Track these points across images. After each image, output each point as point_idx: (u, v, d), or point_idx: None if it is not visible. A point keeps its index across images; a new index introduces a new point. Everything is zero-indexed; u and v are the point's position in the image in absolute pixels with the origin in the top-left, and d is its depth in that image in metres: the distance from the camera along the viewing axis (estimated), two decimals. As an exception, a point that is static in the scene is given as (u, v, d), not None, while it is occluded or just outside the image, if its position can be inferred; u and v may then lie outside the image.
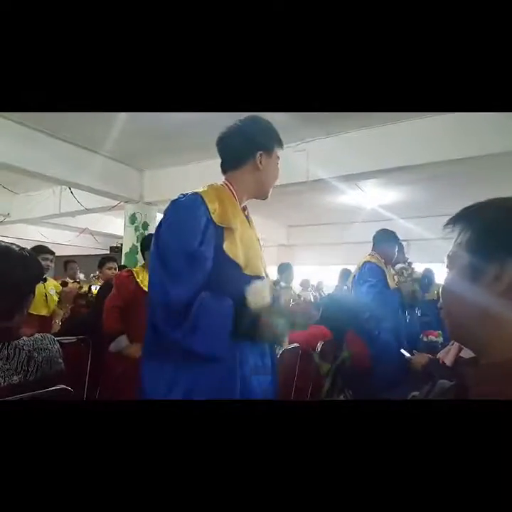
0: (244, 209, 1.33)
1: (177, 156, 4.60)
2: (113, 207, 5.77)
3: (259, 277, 1.19)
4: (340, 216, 7.22)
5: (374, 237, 2.97)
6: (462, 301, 0.57)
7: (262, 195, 1.34)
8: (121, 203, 5.60)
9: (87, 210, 5.97)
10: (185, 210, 1.14)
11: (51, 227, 8.36)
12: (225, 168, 1.31)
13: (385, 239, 2.90)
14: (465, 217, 0.60)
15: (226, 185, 1.28)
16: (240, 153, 1.28)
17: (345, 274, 5.01)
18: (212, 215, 1.14)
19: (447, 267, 0.62)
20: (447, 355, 2.17)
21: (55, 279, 4.55)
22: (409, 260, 3.29)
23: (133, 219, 5.50)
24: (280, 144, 1.34)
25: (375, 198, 6.03)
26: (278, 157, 1.34)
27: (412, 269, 3.17)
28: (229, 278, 1.13)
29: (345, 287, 3.47)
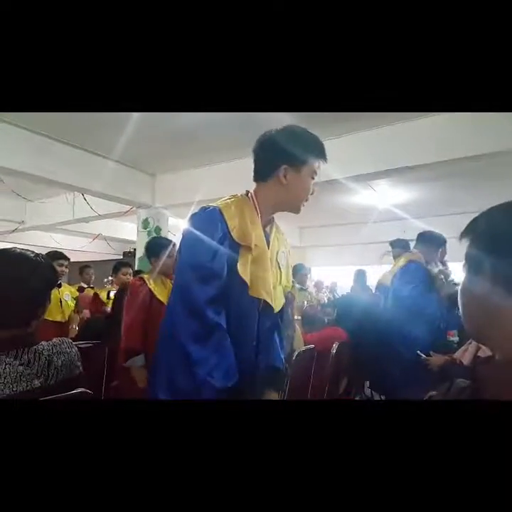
0: (269, 222, 1.28)
1: (188, 159, 4.62)
2: (126, 212, 5.83)
3: (260, 300, 1.17)
4: (352, 216, 7.17)
5: (420, 235, 2.90)
6: (478, 301, 0.58)
7: (290, 210, 1.25)
8: (134, 208, 5.66)
9: (100, 216, 6.04)
10: (200, 225, 1.13)
11: (65, 234, 8.46)
12: (255, 178, 1.26)
13: (431, 239, 2.82)
14: (481, 221, 0.60)
15: (250, 197, 1.23)
16: (264, 166, 1.21)
17: (359, 274, 4.98)
18: (231, 231, 1.12)
19: (464, 266, 0.62)
20: (465, 355, 2.14)
21: (70, 285, 4.61)
22: (446, 261, 3.24)
23: (146, 224, 5.55)
24: (318, 156, 1.21)
25: (387, 198, 5.98)
26: (314, 171, 1.21)
27: (450, 271, 3.12)
28: (234, 295, 1.12)
29: (372, 287, 3.39)
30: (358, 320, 2.89)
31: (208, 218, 1.13)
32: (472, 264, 0.60)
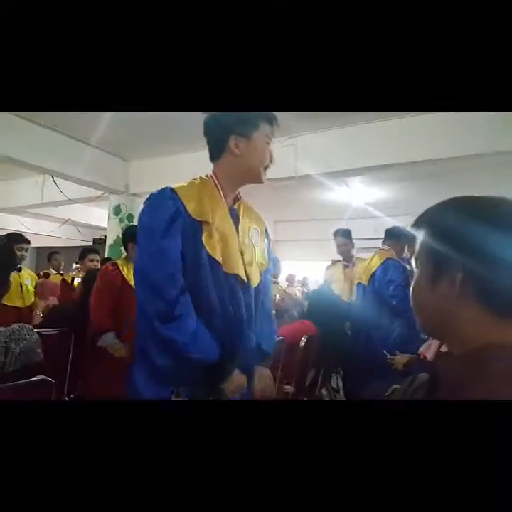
0: (236, 199, 1.28)
1: (165, 146, 4.52)
2: (97, 197, 5.66)
3: (237, 276, 1.17)
4: (326, 212, 7.24)
5: (388, 231, 2.93)
6: (427, 300, 0.61)
7: (252, 180, 1.25)
8: (106, 194, 5.50)
9: (71, 201, 5.85)
10: (151, 205, 1.14)
11: (33, 217, 8.19)
12: (211, 159, 1.26)
13: (399, 235, 2.86)
14: (425, 220, 0.63)
15: (211, 177, 1.23)
16: (215, 142, 1.22)
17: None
18: (187, 207, 1.11)
19: (416, 266, 0.65)
20: (429, 350, 2.21)
21: (38, 271, 4.48)
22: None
23: (117, 210, 5.41)
24: (267, 119, 1.21)
25: (361, 195, 6.07)
26: (267, 135, 1.21)
27: None
28: (207, 274, 1.11)
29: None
30: (328, 314, 2.92)
31: (159, 197, 1.13)
32: (424, 260, 0.61)
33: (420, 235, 0.63)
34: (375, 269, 2.80)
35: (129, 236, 2.51)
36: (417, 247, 0.64)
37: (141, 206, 1.18)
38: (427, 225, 0.62)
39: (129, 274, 2.36)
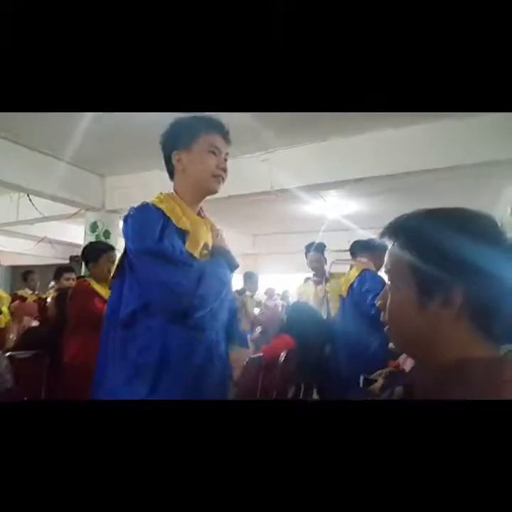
0: (199, 214, 1.32)
1: (141, 161, 4.49)
2: (73, 214, 5.59)
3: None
4: (304, 225, 7.31)
5: (365, 244, 2.97)
6: (413, 321, 0.57)
7: (204, 191, 1.27)
8: (82, 211, 5.44)
9: (46, 218, 5.76)
10: (139, 218, 1.16)
11: (8, 235, 8.00)
12: (170, 178, 1.32)
13: (376, 246, 2.86)
14: (399, 231, 0.60)
15: (173, 193, 1.28)
16: (166, 162, 1.28)
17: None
18: (171, 218, 1.15)
19: (390, 282, 0.62)
20: (406, 361, 2.24)
21: (18, 293, 4.36)
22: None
23: (94, 227, 5.35)
24: (208, 129, 1.22)
25: (337, 209, 6.16)
26: (211, 145, 1.22)
27: None
28: None
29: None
30: (306, 328, 2.94)
31: (145, 210, 1.16)
32: (403, 275, 0.57)
33: (393, 246, 0.60)
34: (352, 280, 2.83)
35: (88, 256, 2.48)
36: (388, 258, 0.61)
37: (124, 221, 1.20)
38: (402, 237, 0.59)
39: (99, 289, 2.34)
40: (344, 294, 2.90)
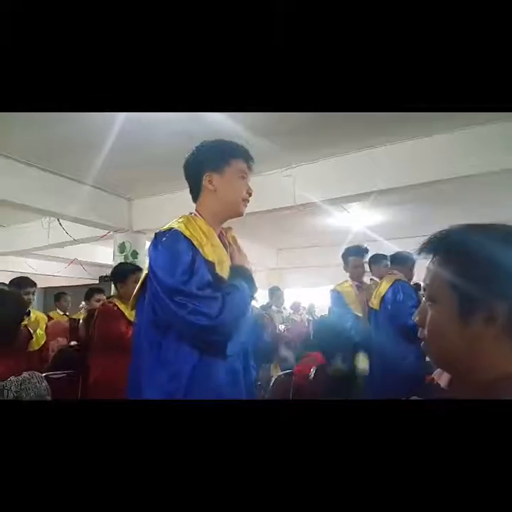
0: (221, 234, 1.31)
1: (164, 184, 4.65)
2: (102, 237, 5.77)
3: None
4: (328, 238, 7.28)
5: (394, 256, 2.96)
6: (454, 337, 0.56)
7: (231, 214, 1.29)
8: (111, 233, 5.61)
9: (76, 241, 5.96)
10: (167, 253, 1.15)
11: (40, 259, 8.29)
12: (193, 200, 1.32)
13: (405, 259, 2.87)
14: (438, 246, 0.59)
15: (196, 214, 1.29)
16: (192, 181, 1.29)
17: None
18: (199, 249, 1.16)
19: (428, 297, 0.61)
20: (442, 376, 2.18)
21: (46, 312, 4.49)
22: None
23: (122, 248, 5.50)
24: (238, 155, 1.27)
25: (361, 220, 6.12)
26: (241, 170, 1.27)
27: None
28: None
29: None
30: (333, 344, 2.90)
31: (174, 240, 1.15)
32: (443, 291, 0.56)
33: (433, 261, 0.59)
34: (384, 292, 2.79)
35: (117, 277, 2.54)
36: (427, 273, 0.60)
37: (152, 247, 1.19)
38: (442, 252, 0.58)
39: (125, 310, 2.38)
40: (376, 306, 2.85)
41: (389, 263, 3.02)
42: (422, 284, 0.66)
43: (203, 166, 1.25)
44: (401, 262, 2.89)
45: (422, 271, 0.64)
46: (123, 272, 2.50)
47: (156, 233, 1.21)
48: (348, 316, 2.92)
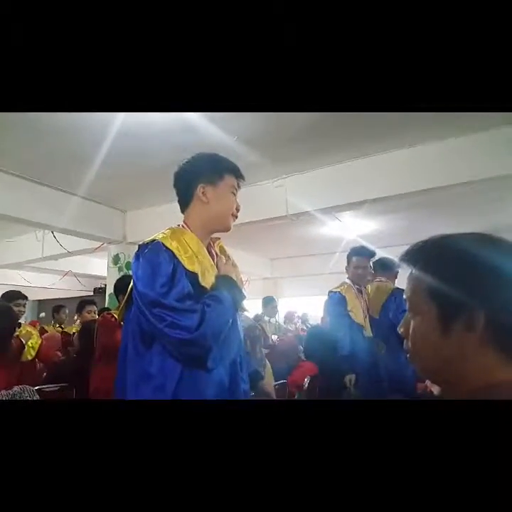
0: (209, 246, 1.31)
1: (158, 195, 4.67)
2: (96, 248, 5.78)
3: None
4: (321, 247, 7.33)
5: (379, 262, 2.91)
6: (436, 346, 0.56)
7: (220, 227, 1.30)
8: (105, 244, 5.62)
9: (70, 253, 5.97)
10: (148, 264, 1.14)
11: (34, 271, 8.27)
12: (181, 209, 1.32)
13: (391, 265, 2.85)
14: (418, 256, 0.60)
15: (183, 225, 1.29)
16: (184, 191, 1.29)
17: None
18: (181, 260, 1.15)
19: (409, 309, 0.61)
20: (434, 385, 2.20)
21: (43, 327, 4.47)
22: None
23: (116, 260, 5.51)
24: (231, 171, 1.29)
25: (354, 229, 6.18)
26: (232, 186, 1.29)
27: None
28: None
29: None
30: (324, 355, 2.87)
31: (154, 252, 1.15)
32: (424, 300, 0.57)
33: (412, 272, 0.60)
34: (385, 300, 2.79)
35: (120, 289, 2.57)
36: (408, 284, 0.60)
37: (134, 259, 1.19)
38: (420, 262, 0.59)
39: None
40: (375, 314, 2.82)
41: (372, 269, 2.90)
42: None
43: (198, 177, 1.26)
44: (387, 268, 2.88)
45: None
46: (126, 284, 2.53)
47: (139, 245, 1.22)
48: (345, 323, 2.69)
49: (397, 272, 2.88)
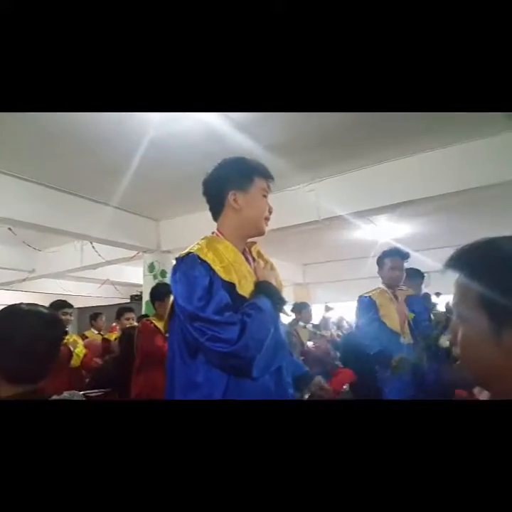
0: (247, 249, 1.30)
1: (190, 204, 4.75)
2: (132, 257, 5.95)
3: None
4: (354, 251, 7.23)
5: (408, 273, 2.84)
6: (489, 354, 0.55)
7: (254, 232, 1.29)
8: (140, 253, 5.78)
9: (108, 262, 6.15)
10: (185, 279, 1.15)
11: (73, 280, 8.57)
12: (213, 216, 1.31)
13: (415, 274, 2.88)
14: (461, 261, 0.59)
15: (217, 233, 1.28)
16: (214, 199, 1.28)
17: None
18: (217, 271, 1.15)
19: (458, 316, 0.60)
20: (483, 391, 2.12)
21: (81, 332, 4.63)
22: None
23: (151, 268, 5.65)
24: (260, 174, 1.27)
25: (388, 232, 6.06)
26: (263, 189, 1.27)
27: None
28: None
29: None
30: (359, 362, 2.82)
31: (191, 267, 1.14)
32: (473, 307, 0.55)
33: (459, 278, 0.58)
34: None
35: (155, 296, 2.64)
36: (455, 290, 0.59)
37: (172, 273, 1.20)
38: (468, 268, 0.57)
39: (162, 327, 2.48)
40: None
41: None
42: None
43: (227, 184, 1.25)
44: (408, 277, 2.81)
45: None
46: (161, 292, 2.63)
47: (176, 258, 1.22)
48: (374, 328, 2.53)
49: (420, 281, 2.86)
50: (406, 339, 2.56)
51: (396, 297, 2.66)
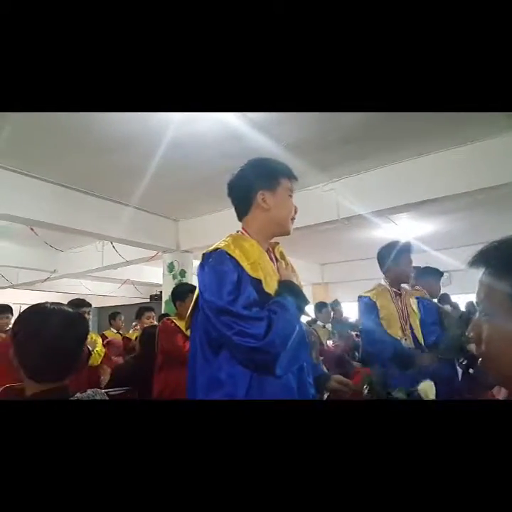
0: (268, 251, 1.31)
1: (208, 204, 4.80)
2: (152, 257, 6.01)
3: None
4: (374, 251, 7.15)
5: (421, 271, 2.88)
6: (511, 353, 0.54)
7: (280, 232, 1.31)
8: (160, 253, 5.84)
9: (128, 262, 6.23)
10: (214, 274, 1.15)
11: (94, 280, 8.72)
12: (239, 216, 1.33)
13: (432, 273, 2.83)
14: (488, 257, 0.58)
15: (242, 232, 1.30)
16: (243, 199, 1.29)
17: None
18: (244, 267, 1.16)
19: (484, 312, 0.59)
20: (501, 391, 2.08)
21: (103, 333, 4.70)
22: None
23: (171, 267, 5.70)
24: (285, 174, 1.30)
25: (408, 231, 5.97)
26: (289, 189, 1.30)
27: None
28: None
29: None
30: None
31: (220, 262, 1.16)
32: (502, 304, 0.54)
33: (485, 275, 0.57)
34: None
35: (176, 295, 2.66)
36: (480, 287, 0.59)
37: (200, 268, 1.21)
38: (495, 264, 0.57)
39: (182, 326, 2.49)
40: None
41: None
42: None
43: (256, 184, 1.26)
44: (425, 276, 2.82)
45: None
46: (182, 292, 2.65)
47: (203, 254, 1.23)
48: (377, 334, 2.35)
49: (437, 281, 2.81)
50: (406, 342, 2.38)
51: (400, 295, 2.45)
